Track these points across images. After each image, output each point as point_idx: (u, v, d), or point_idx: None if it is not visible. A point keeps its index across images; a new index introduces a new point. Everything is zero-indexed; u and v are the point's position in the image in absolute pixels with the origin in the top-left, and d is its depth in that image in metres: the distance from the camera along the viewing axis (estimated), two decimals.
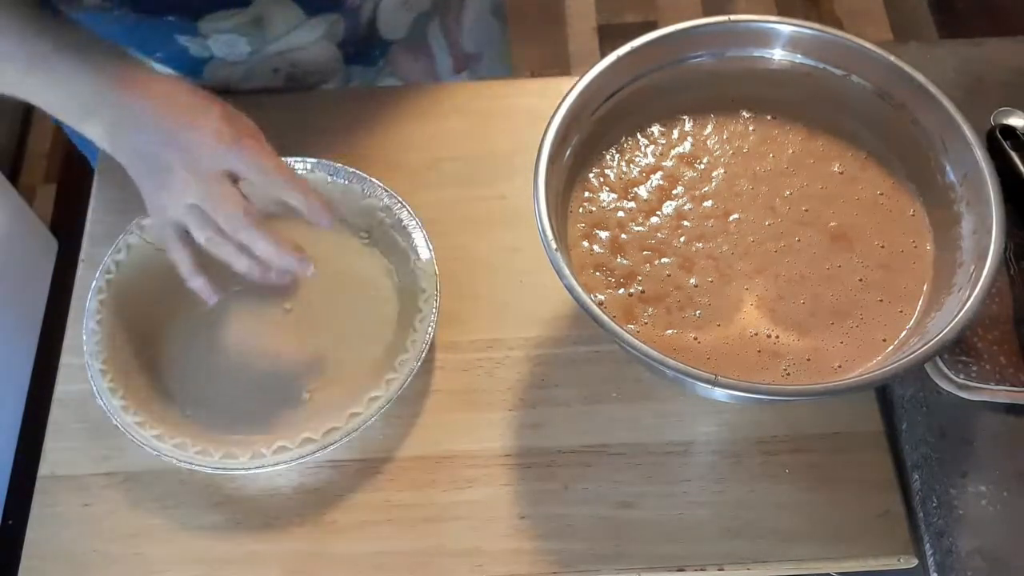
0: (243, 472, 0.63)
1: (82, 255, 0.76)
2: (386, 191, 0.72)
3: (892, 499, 0.64)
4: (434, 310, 0.67)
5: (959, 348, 0.65)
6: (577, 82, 0.61)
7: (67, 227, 1.59)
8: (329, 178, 0.73)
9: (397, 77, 0.88)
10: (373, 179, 0.73)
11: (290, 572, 0.63)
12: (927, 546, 0.62)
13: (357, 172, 0.73)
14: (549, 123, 0.60)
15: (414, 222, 0.71)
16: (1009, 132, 0.73)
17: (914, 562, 0.62)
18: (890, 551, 0.62)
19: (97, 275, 0.69)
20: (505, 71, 1.00)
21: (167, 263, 0.71)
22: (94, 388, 0.65)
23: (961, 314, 0.52)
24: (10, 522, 1.28)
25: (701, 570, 0.62)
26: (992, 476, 0.63)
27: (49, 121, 1.74)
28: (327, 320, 0.70)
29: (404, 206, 0.71)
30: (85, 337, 0.66)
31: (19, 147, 1.70)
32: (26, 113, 1.74)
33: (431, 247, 0.70)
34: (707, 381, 0.52)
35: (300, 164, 0.73)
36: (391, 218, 0.71)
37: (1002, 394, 0.64)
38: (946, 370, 0.65)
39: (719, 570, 0.62)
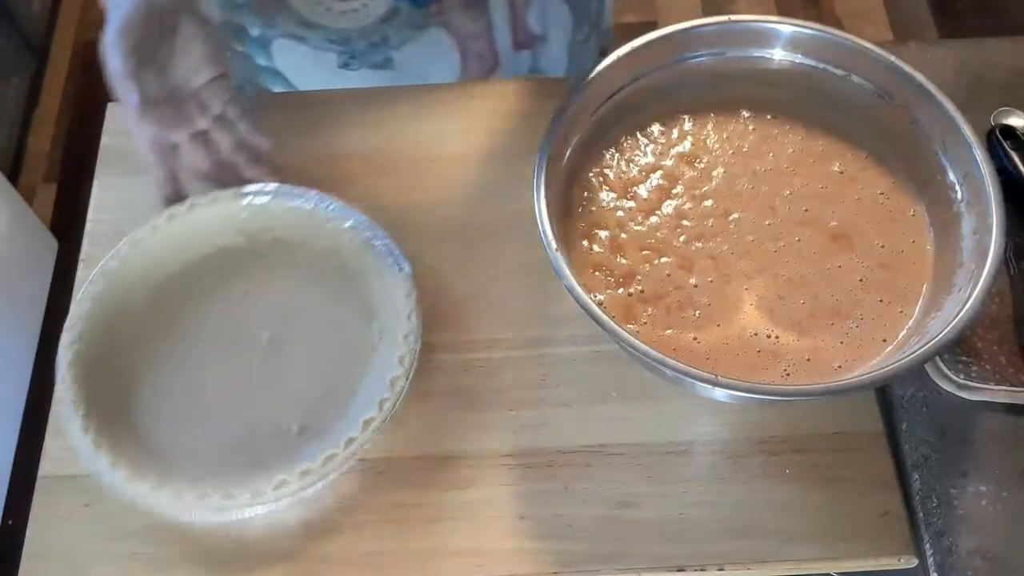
0: (247, 513, 0.61)
1: (82, 255, 0.76)
2: (352, 211, 0.70)
3: (892, 499, 0.64)
4: (418, 324, 0.66)
5: (959, 348, 0.65)
6: (577, 82, 0.61)
7: (67, 227, 1.59)
8: (293, 203, 0.71)
9: (449, 31, 0.84)
10: (338, 200, 0.70)
11: (291, 572, 0.63)
12: (927, 546, 0.62)
13: (320, 194, 0.71)
14: (549, 123, 0.60)
15: (384, 240, 0.69)
16: (1009, 132, 0.73)
17: (914, 562, 0.62)
18: (890, 551, 0.62)
19: (64, 332, 0.66)
20: (564, 65, 0.95)
21: (129, 312, 0.69)
22: (79, 447, 0.62)
23: (961, 314, 0.52)
24: (10, 522, 1.28)
25: (701, 570, 0.62)
26: (992, 476, 0.63)
27: (49, 121, 1.75)
28: (309, 347, 0.68)
29: (371, 225, 0.69)
30: (64, 396, 0.64)
31: (19, 147, 1.70)
32: (26, 113, 1.74)
33: (406, 261, 0.68)
34: (708, 381, 0.52)
35: (259, 194, 0.71)
36: (360, 237, 0.69)
37: (1002, 394, 0.64)
38: (946, 370, 0.65)
39: (719, 570, 0.62)
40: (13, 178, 1.63)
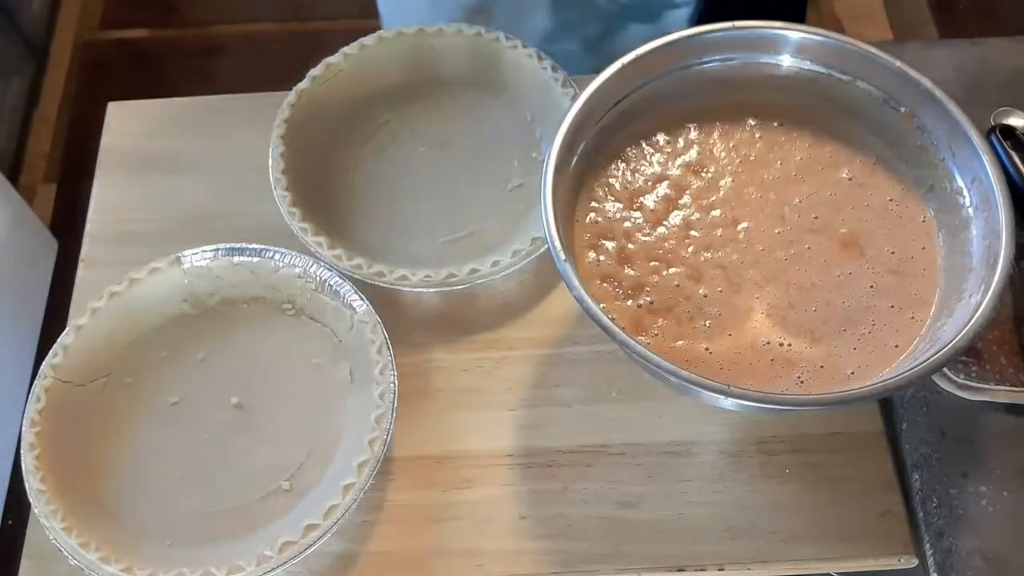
0: None
1: (82, 255, 0.76)
2: (299, 256, 0.69)
3: (892, 499, 0.64)
4: (390, 358, 0.65)
5: None
6: (583, 90, 0.61)
7: (67, 227, 1.59)
8: (235, 260, 0.69)
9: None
10: (281, 248, 0.69)
11: (290, 572, 0.63)
12: (927, 546, 0.62)
13: (263, 247, 0.69)
14: (556, 132, 0.59)
15: (338, 279, 0.68)
16: (1009, 132, 0.73)
17: (914, 562, 0.62)
18: (890, 551, 0.62)
19: (23, 431, 0.65)
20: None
21: (88, 401, 0.67)
22: (62, 547, 0.60)
23: (975, 319, 0.51)
24: (10, 522, 1.28)
25: (701, 570, 0.62)
26: (992, 476, 0.63)
27: (49, 121, 1.74)
28: (281, 403, 0.67)
29: (321, 266, 0.68)
30: (33, 501, 0.62)
31: (19, 147, 1.70)
32: (26, 113, 1.74)
33: (364, 297, 0.67)
34: (719, 391, 0.51)
35: (201, 255, 0.69)
36: (312, 281, 0.68)
37: (1002, 394, 0.64)
38: (946, 370, 0.65)
39: (719, 570, 0.62)
40: (13, 178, 1.62)
